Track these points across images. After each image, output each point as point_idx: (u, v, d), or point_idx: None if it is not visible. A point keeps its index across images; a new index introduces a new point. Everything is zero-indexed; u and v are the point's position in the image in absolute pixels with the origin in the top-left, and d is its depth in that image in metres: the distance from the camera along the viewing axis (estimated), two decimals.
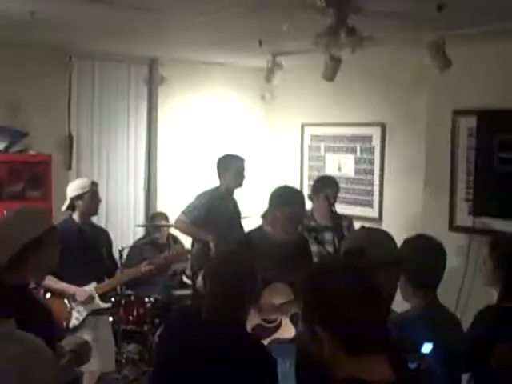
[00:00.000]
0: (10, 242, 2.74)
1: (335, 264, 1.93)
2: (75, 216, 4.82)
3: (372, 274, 1.84)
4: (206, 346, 2.62)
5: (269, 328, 4.08)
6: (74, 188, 4.83)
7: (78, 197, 4.77)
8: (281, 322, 4.11)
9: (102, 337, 4.80)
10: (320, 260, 4.65)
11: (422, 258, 2.81)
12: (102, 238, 5.04)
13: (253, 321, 3.98)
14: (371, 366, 1.68)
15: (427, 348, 2.44)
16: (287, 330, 4.13)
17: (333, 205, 5.17)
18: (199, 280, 4.18)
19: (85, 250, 4.73)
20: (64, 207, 4.86)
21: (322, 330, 1.70)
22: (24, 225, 2.83)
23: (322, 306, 1.72)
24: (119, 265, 5.43)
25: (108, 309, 5.01)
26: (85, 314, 4.67)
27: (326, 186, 5.37)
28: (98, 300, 4.74)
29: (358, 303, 1.69)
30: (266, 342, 4.03)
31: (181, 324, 2.86)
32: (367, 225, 5.91)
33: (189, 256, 5.81)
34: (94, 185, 4.87)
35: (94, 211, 4.90)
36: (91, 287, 4.72)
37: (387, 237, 2.58)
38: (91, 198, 4.80)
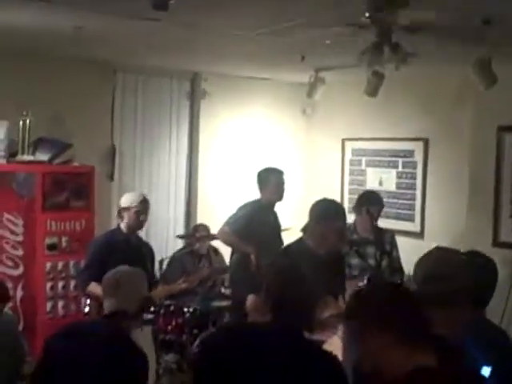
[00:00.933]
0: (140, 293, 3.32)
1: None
2: (122, 226, 4.92)
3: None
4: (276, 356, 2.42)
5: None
6: (125, 199, 4.97)
7: (126, 208, 4.89)
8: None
9: (144, 347, 4.80)
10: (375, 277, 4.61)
11: (477, 274, 2.74)
12: (146, 250, 5.11)
13: None
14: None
15: (486, 371, 2.38)
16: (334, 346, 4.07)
17: (376, 219, 5.14)
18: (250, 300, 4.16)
19: (130, 260, 4.76)
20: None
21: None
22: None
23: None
24: (158, 275, 5.48)
25: (149, 320, 5.03)
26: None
27: (370, 202, 5.33)
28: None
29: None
30: None
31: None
32: (409, 240, 5.96)
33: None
34: (143, 202, 4.94)
35: (138, 226, 4.96)
36: None
37: (465, 260, 2.50)
38: (136, 214, 4.88)
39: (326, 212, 4.14)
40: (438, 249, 2.61)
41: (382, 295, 1.98)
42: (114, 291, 3.31)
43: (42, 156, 5.79)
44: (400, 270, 5.04)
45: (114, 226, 5.12)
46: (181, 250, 6.53)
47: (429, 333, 1.89)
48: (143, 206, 4.93)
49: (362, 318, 1.93)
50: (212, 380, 2.45)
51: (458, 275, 2.32)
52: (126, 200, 4.94)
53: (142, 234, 6.65)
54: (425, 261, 2.48)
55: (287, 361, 2.38)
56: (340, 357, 2.55)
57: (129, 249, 4.85)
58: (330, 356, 2.50)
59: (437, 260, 2.46)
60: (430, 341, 1.88)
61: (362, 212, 5.22)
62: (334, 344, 4.04)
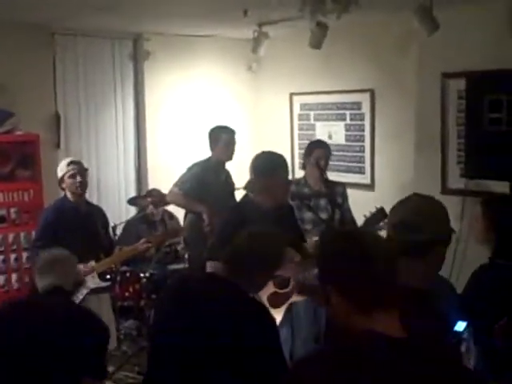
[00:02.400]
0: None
1: (346, 231, 2.06)
2: (68, 196, 4.88)
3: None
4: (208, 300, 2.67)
5: (283, 294, 4.10)
6: (58, 171, 4.90)
7: (61, 178, 4.85)
8: (293, 288, 4.12)
9: (103, 315, 4.78)
10: (329, 227, 4.63)
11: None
12: (97, 216, 5.07)
13: (266, 290, 4.00)
14: (382, 321, 1.78)
15: (461, 326, 2.38)
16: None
17: (325, 168, 5.13)
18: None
19: (81, 228, 4.75)
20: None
21: (336, 292, 1.81)
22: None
23: (333, 270, 1.84)
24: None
25: (107, 287, 5.01)
26: (84, 292, 4.64)
27: (316, 147, 5.31)
28: (97, 278, 4.75)
29: (366, 266, 1.79)
30: (283, 307, 4.08)
31: (179, 284, 2.97)
32: (359, 192, 6.01)
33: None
34: (71, 164, 4.87)
35: (79, 190, 4.86)
36: (90, 265, 4.72)
37: (443, 210, 2.36)
38: (70, 177, 4.81)
39: (269, 165, 4.08)
40: (415, 195, 2.47)
41: (340, 256, 1.86)
42: (50, 269, 3.33)
43: None
44: (352, 221, 5.08)
45: (62, 194, 5.02)
46: (134, 216, 6.48)
47: (393, 296, 1.81)
48: (73, 167, 4.85)
49: (324, 282, 1.87)
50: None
51: (433, 226, 2.23)
52: (58, 170, 4.89)
53: (93, 199, 6.61)
54: (401, 207, 2.37)
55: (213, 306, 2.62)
56: None
57: (79, 216, 4.82)
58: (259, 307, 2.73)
59: (412, 208, 2.33)
60: (393, 305, 1.80)
61: (310, 162, 5.21)
62: None
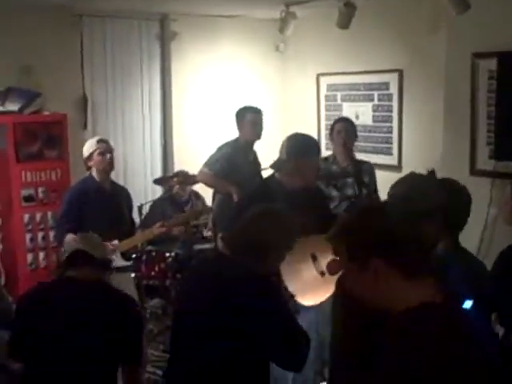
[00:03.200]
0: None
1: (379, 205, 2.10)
2: (94, 175, 4.83)
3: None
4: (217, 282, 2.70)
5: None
6: (84, 150, 4.85)
7: (89, 157, 4.80)
8: None
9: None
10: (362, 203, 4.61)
11: (450, 197, 2.75)
12: (122, 196, 5.04)
13: (326, 258, 3.95)
14: (424, 287, 1.84)
15: (468, 304, 2.40)
16: None
17: (348, 142, 5.17)
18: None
19: (106, 207, 4.75)
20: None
21: (382, 262, 1.83)
22: None
23: (380, 241, 1.85)
24: (139, 221, 5.45)
25: (130, 266, 5.04)
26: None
27: (336, 122, 5.36)
28: (120, 257, 4.74)
29: (410, 233, 1.85)
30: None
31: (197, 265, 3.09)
32: (386, 173, 5.96)
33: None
34: (100, 142, 4.84)
35: (107, 168, 4.83)
36: (115, 244, 4.71)
37: (436, 185, 2.49)
38: (99, 155, 4.77)
39: (302, 147, 4.07)
40: (411, 173, 2.67)
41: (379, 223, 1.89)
42: (79, 242, 3.26)
43: (12, 106, 5.68)
44: (376, 198, 5.06)
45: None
46: (161, 196, 6.50)
47: (428, 262, 1.87)
48: (102, 145, 4.82)
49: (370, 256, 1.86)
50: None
51: (431, 196, 2.37)
52: (86, 149, 4.84)
53: (119, 180, 6.65)
54: (399, 184, 2.55)
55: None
56: None
57: (103, 196, 4.81)
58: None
59: (411, 182, 2.54)
60: (430, 271, 1.86)
61: (334, 137, 5.25)
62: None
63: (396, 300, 1.84)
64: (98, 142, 4.84)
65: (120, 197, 4.97)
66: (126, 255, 4.84)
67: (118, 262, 4.71)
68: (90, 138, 5.14)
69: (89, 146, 4.83)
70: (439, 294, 1.83)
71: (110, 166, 4.84)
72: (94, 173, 4.82)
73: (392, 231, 1.85)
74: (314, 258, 3.92)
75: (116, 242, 4.72)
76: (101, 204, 4.72)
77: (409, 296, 1.81)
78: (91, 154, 4.78)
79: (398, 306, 1.82)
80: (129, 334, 3.01)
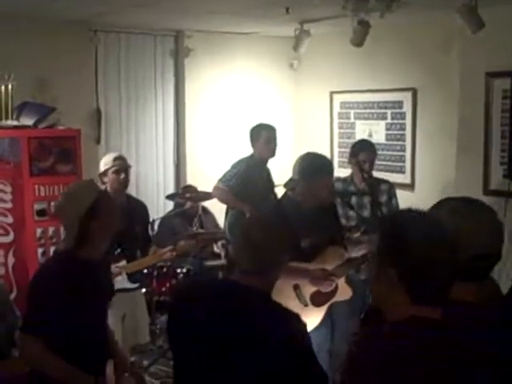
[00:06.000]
0: (70, 222, 2.91)
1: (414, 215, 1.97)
2: (109, 189, 4.68)
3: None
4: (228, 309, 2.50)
5: (326, 293, 4.09)
6: (100, 165, 4.78)
7: (104, 172, 4.72)
8: (337, 285, 4.11)
9: (136, 310, 4.76)
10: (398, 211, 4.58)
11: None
12: (137, 212, 4.89)
13: (309, 289, 3.99)
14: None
15: None
16: (344, 292, 4.17)
17: (370, 169, 5.17)
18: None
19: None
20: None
21: (395, 273, 1.81)
22: (73, 201, 2.97)
23: (397, 251, 1.82)
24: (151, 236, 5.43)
25: (142, 283, 4.98)
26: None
27: (361, 150, 5.31)
28: (125, 279, 4.57)
29: (434, 251, 1.78)
30: (325, 306, 4.09)
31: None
32: (399, 192, 5.95)
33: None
34: (117, 160, 4.74)
35: (121, 186, 4.72)
36: (120, 265, 4.55)
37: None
38: (114, 173, 4.67)
39: (314, 167, 4.07)
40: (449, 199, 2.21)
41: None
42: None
43: (27, 120, 5.70)
44: None
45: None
46: (171, 211, 6.50)
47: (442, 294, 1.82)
48: (119, 163, 4.72)
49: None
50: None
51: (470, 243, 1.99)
52: (102, 164, 4.76)
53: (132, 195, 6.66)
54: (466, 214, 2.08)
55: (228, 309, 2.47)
56: None
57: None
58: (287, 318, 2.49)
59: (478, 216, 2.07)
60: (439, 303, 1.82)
61: (354, 163, 5.22)
62: (344, 287, 4.14)
63: (391, 306, 1.86)
64: (115, 159, 4.74)
65: (134, 213, 4.82)
66: (132, 277, 4.66)
67: (124, 283, 4.56)
68: (108, 154, 5.07)
69: (105, 162, 4.75)
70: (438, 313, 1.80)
71: (123, 185, 4.74)
72: (109, 189, 4.70)
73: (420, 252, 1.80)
74: (296, 288, 3.95)
75: (123, 262, 4.58)
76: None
77: (406, 310, 1.81)
78: (106, 171, 4.71)
79: (391, 313, 1.85)
80: None
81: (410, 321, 1.80)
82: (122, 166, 4.72)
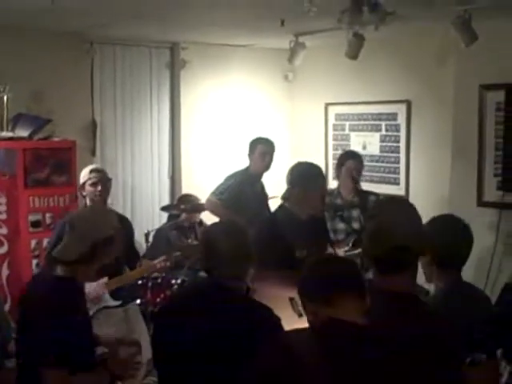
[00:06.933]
0: (84, 237, 2.87)
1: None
2: (88, 203, 4.60)
3: None
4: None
5: None
6: (80, 178, 4.71)
7: (82, 185, 4.64)
8: None
9: (134, 326, 4.63)
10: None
11: (445, 239, 2.75)
12: (122, 227, 4.76)
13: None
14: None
15: None
16: None
17: (357, 179, 5.15)
18: None
19: None
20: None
21: None
22: (99, 222, 2.96)
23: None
24: (145, 248, 5.42)
25: (138, 294, 4.93)
26: (94, 309, 4.31)
27: (347, 158, 5.34)
28: (107, 296, 4.43)
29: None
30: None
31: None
32: None
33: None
34: (93, 172, 4.64)
35: (99, 198, 4.56)
36: (101, 283, 4.37)
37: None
38: (91, 186, 4.57)
39: (306, 175, 4.08)
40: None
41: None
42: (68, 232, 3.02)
43: (22, 132, 5.70)
44: None
45: None
46: (166, 223, 6.49)
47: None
48: (95, 175, 4.61)
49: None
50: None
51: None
52: (81, 177, 4.68)
53: (127, 207, 6.66)
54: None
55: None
56: None
57: None
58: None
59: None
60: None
61: (343, 172, 5.22)
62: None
63: None
64: (91, 171, 4.64)
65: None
66: (114, 295, 4.50)
67: (108, 301, 4.44)
68: (86, 167, 4.92)
69: (82, 175, 4.67)
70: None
71: (100, 197, 4.59)
72: (88, 202, 4.60)
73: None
74: (292, 299, 3.93)
75: (105, 279, 4.38)
76: None
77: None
78: (84, 184, 4.62)
79: None
80: None
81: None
82: (98, 179, 4.61)
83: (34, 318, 2.81)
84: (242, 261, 2.72)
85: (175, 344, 2.64)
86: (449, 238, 2.74)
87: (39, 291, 2.90)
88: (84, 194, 4.64)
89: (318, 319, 2.04)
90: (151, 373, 5.23)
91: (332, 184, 5.93)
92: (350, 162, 5.27)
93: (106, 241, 2.88)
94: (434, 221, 2.85)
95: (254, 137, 5.84)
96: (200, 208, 6.00)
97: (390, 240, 2.24)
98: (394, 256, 2.23)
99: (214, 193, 5.62)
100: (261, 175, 5.76)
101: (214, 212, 5.75)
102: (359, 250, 4.37)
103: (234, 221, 3.07)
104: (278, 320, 2.64)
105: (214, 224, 3.06)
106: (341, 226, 4.99)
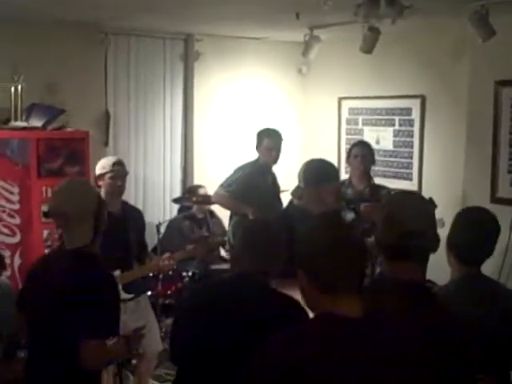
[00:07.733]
0: (83, 217, 3.02)
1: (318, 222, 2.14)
2: (103, 194, 4.44)
3: None
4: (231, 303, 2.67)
5: None
6: (98, 167, 4.64)
7: (100, 176, 4.57)
8: None
9: (143, 318, 4.50)
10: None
11: (465, 232, 2.74)
12: (132, 219, 4.68)
13: None
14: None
15: None
16: None
17: (364, 165, 5.19)
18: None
19: (110, 233, 3.86)
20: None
21: (303, 273, 1.99)
22: (84, 196, 3.08)
23: (300, 255, 2.03)
24: (156, 240, 5.42)
25: (148, 286, 4.93)
26: None
27: (353, 146, 5.41)
28: (121, 290, 4.28)
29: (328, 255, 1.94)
30: None
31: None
32: None
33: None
34: (116, 165, 4.59)
35: (115, 193, 4.55)
36: (115, 275, 4.17)
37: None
38: (111, 179, 4.53)
39: (320, 174, 4.07)
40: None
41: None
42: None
43: (36, 122, 5.72)
44: None
45: None
46: (178, 214, 6.50)
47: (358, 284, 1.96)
48: (117, 169, 4.58)
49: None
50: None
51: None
52: (99, 166, 4.61)
53: (139, 199, 6.68)
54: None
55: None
56: None
57: (108, 221, 4.46)
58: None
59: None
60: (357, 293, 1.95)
61: (351, 160, 5.30)
62: None
63: (315, 309, 2.01)
64: (114, 164, 4.59)
65: (129, 220, 4.62)
66: (127, 288, 4.47)
67: (121, 295, 4.23)
68: (107, 157, 4.94)
69: (102, 166, 4.60)
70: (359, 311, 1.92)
71: (118, 192, 4.58)
72: (103, 193, 4.45)
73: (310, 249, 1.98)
74: None
75: (118, 272, 4.35)
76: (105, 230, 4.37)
77: (325, 308, 1.94)
78: (103, 175, 4.56)
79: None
80: None
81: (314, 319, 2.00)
82: (119, 173, 4.60)
83: (60, 294, 2.85)
84: (274, 258, 2.77)
85: (206, 339, 2.66)
86: (469, 232, 2.73)
87: (63, 268, 2.96)
88: (100, 184, 4.56)
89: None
90: (163, 364, 5.27)
91: (344, 177, 5.90)
92: (355, 149, 5.35)
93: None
94: (460, 212, 2.84)
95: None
96: (211, 200, 5.99)
97: (401, 226, 2.21)
98: (403, 242, 2.20)
99: (222, 185, 5.61)
100: (271, 166, 5.74)
101: (222, 204, 5.74)
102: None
103: (268, 219, 3.10)
104: (306, 315, 2.64)
105: (250, 221, 3.10)
106: (349, 216, 5.01)
